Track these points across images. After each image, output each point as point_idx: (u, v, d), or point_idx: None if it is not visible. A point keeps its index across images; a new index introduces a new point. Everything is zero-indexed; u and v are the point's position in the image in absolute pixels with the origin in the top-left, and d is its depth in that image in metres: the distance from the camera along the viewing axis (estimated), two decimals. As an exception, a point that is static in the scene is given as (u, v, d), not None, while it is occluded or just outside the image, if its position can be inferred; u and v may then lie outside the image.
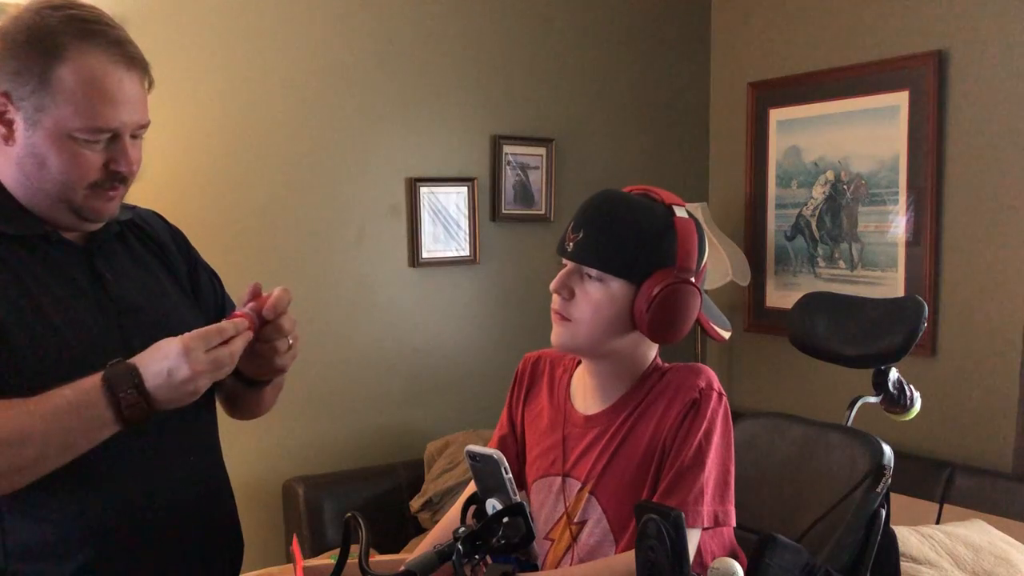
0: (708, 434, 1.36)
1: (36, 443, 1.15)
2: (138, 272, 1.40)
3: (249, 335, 1.25)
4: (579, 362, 1.53)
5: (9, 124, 1.25)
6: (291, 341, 1.33)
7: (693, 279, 1.38)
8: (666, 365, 1.47)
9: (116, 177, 1.29)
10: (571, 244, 1.41)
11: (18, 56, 1.23)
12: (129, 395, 1.16)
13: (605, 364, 1.45)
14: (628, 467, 1.40)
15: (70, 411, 1.16)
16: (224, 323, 1.23)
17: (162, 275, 1.44)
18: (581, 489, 1.43)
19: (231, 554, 1.48)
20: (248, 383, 1.42)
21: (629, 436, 1.41)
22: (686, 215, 1.41)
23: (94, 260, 1.35)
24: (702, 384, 1.39)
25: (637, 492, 1.38)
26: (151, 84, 1.33)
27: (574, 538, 1.42)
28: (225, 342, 1.20)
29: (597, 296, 1.39)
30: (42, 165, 1.25)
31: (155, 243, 1.46)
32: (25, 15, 1.24)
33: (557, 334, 1.43)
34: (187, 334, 1.19)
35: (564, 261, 1.44)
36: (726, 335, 1.48)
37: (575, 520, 1.43)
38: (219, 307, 1.52)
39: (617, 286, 1.38)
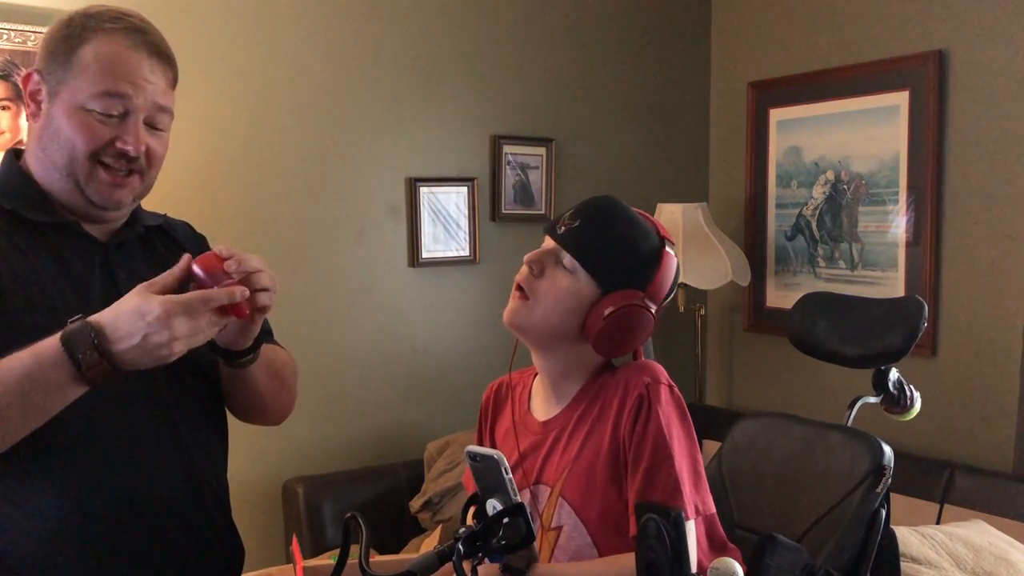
0: (667, 427, 1.36)
1: None
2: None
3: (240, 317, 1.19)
4: (536, 375, 1.54)
5: (39, 103, 1.31)
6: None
7: (654, 310, 1.41)
8: (617, 364, 1.48)
9: (123, 156, 1.29)
10: (563, 228, 1.43)
11: (53, 40, 1.30)
12: (89, 356, 1.10)
13: (553, 359, 1.46)
14: (592, 467, 1.39)
15: (28, 373, 1.11)
16: (214, 291, 1.17)
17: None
18: (551, 493, 1.43)
19: (228, 564, 1.43)
20: (228, 357, 1.34)
21: (589, 435, 1.41)
22: (673, 253, 1.45)
23: (110, 256, 1.34)
24: (647, 380, 1.39)
25: (606, 494, 1.38)
26: (175, 81, 1.38)
27: (552, 546, 1.40)
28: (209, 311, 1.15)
29: (564, 284, 1.40)
30: (55, 136, 1.28)
31: (183, 252, 1.42)
32: (70, 13, 1.32)
33: (512, 309, 1.43)
34: (170, 297, 1.13)
35: (547, 240, 1.45)
36: None
37: (551, 526, 1.41)
38: None
39: (586, 284, 1.40)
